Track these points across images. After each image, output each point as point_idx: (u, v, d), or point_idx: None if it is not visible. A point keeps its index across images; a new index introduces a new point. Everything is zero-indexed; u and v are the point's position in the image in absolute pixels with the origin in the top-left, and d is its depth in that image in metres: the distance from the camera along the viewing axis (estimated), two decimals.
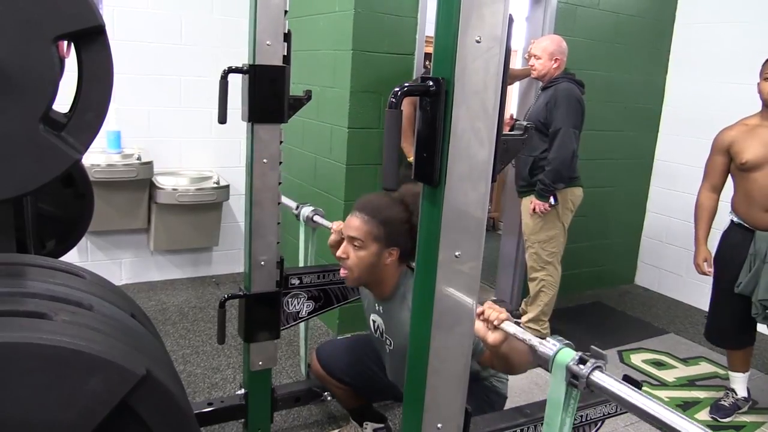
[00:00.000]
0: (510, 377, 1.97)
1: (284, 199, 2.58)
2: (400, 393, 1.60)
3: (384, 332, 1.94)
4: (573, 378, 1.20)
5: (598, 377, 1.18)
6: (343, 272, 1.84)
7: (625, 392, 1.16)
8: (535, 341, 1.32)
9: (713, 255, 2.77)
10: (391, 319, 1.88)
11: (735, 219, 2.68)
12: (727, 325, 2.76)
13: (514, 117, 4.16)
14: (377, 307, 1.94)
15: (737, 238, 2.66)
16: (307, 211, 2.49)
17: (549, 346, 1.27)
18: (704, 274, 2.79)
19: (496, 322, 1.40)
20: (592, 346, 1.23)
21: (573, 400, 1.22)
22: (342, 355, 2.22)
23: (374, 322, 1.99)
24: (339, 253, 1.82)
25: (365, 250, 1.76)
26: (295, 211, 2.54)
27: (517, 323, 1.42)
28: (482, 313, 1.41)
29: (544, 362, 1.26)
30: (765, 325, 2.63)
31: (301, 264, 2.55)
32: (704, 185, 2.76)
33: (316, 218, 2.46)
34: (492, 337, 1.41)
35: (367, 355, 2.18)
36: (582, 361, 1.20)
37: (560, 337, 1.29)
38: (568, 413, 1.21)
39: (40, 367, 0.75)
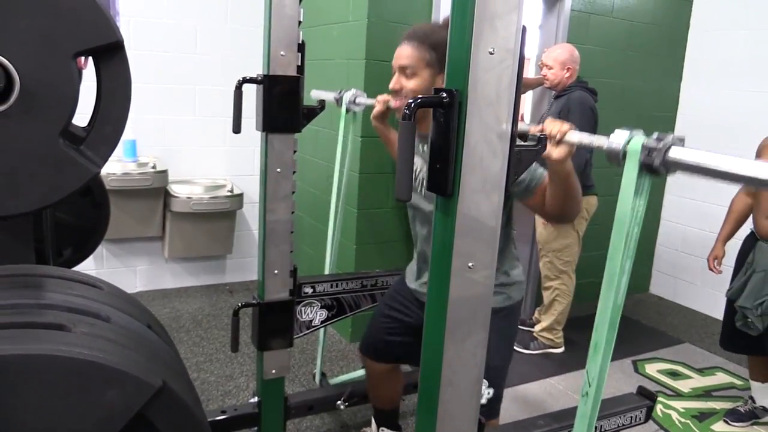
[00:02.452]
0: (521, 387, 1.96)
1: (316, 92, 2.49)
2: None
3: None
4: (648, 162, 1.14)
5: (676, 152, 1.14)
6: (396, 104, 1.77)
7: (706, 158, 1.11)
8: (602, 140, 1.24)
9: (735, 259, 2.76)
10: None
11: (751, 227, 2.70)
12: (732, 329, 2.72)
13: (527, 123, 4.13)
14: (421, 148, 1.83)
15: (747, 245, 2.69)
16: (349, 95, 2.42)
17: (618, 137, 1.20)
18: (711, 270, 2.83)
19: (558, 136, 1.31)
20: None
21: (646, 188, 1.18)
22: (371, 329, 2.15)
23: (415, 164, 1.84)
24: (392, 85, 1.73)
25: (418, 77, 1.68)
26: (336, 96, 2.48)
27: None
28: (542, 130, 1.33)
29: (615, 156, 1.19)
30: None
31: (338, 155, 2.46)
32: (742, 187, 2.71)
33: (359, 100, 2.39)
34: (557, 152, 1.32)
35: (389, 304, 2.09)
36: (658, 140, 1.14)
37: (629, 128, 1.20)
38: (642, 198, 1.18)
39: (57, 379, 0.76)
